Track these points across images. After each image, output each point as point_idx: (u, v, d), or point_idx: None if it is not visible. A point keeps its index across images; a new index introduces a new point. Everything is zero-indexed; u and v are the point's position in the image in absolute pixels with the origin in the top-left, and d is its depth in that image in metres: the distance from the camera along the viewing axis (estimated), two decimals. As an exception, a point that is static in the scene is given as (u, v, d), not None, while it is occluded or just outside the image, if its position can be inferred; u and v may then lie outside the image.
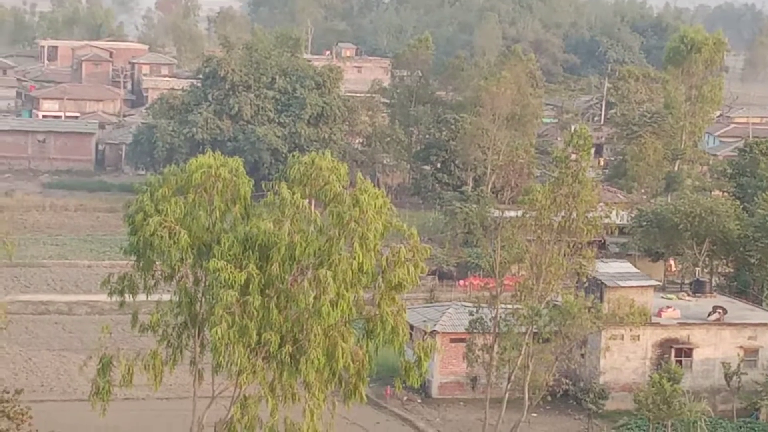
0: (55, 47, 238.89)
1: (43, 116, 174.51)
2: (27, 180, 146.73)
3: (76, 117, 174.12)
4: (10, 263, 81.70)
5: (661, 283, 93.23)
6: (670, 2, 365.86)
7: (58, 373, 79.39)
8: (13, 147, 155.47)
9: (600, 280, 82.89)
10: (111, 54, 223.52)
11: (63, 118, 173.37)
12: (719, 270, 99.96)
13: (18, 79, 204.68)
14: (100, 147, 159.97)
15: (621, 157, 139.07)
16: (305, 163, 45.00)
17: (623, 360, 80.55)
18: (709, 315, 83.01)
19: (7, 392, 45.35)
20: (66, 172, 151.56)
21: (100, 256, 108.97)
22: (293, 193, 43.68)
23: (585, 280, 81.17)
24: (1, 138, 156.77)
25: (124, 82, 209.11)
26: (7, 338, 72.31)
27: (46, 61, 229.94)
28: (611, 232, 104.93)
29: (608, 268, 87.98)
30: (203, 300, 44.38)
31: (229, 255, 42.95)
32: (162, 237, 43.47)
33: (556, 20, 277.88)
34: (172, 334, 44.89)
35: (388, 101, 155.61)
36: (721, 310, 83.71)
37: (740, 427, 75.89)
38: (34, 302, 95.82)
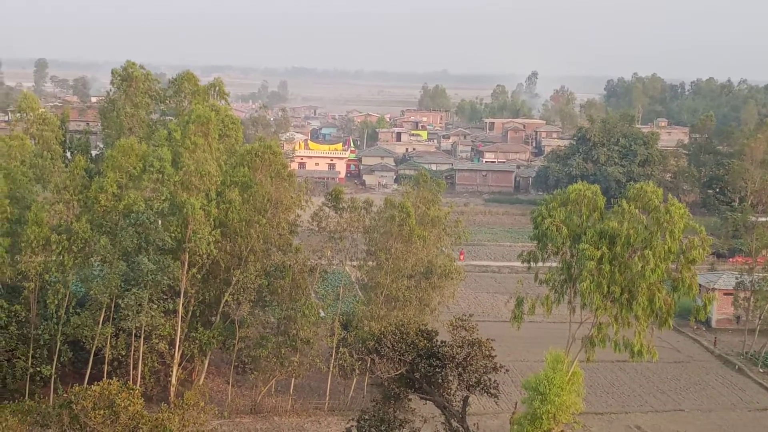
0: (493, 122, 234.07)
1: (485, 161, 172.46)
2: (475, 197, 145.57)
3: (503, 162, 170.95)
4: (466, 243, 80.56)
5: None
6: None
7: (491, 305, 77.48)
8: (468, 178, 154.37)
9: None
10: (524, 126, 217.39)
11: (496, 162, 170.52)
12: None
13: (472, 141, 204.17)
14: (516, 179, 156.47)
15: None
16: (637, 188, 40.14)
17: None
18: None
19: (465, 315, 43.12)
20: (497, 193, 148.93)
21: (516, 240, 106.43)
22: (629, 206, 39.06)
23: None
24: (462, 174, 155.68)
25: (531, 142, 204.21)
26: (464, 285, 70.63)
27: (488, 131, 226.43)
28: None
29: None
30: (575, 266, 39.99)
31: (591, 241, 38.80)
32: (552, 230, 39.93)
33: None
34: (557, 286, 40.82)
35: (687, 152, 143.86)
36: None
37: None
38: (479, 265, 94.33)
